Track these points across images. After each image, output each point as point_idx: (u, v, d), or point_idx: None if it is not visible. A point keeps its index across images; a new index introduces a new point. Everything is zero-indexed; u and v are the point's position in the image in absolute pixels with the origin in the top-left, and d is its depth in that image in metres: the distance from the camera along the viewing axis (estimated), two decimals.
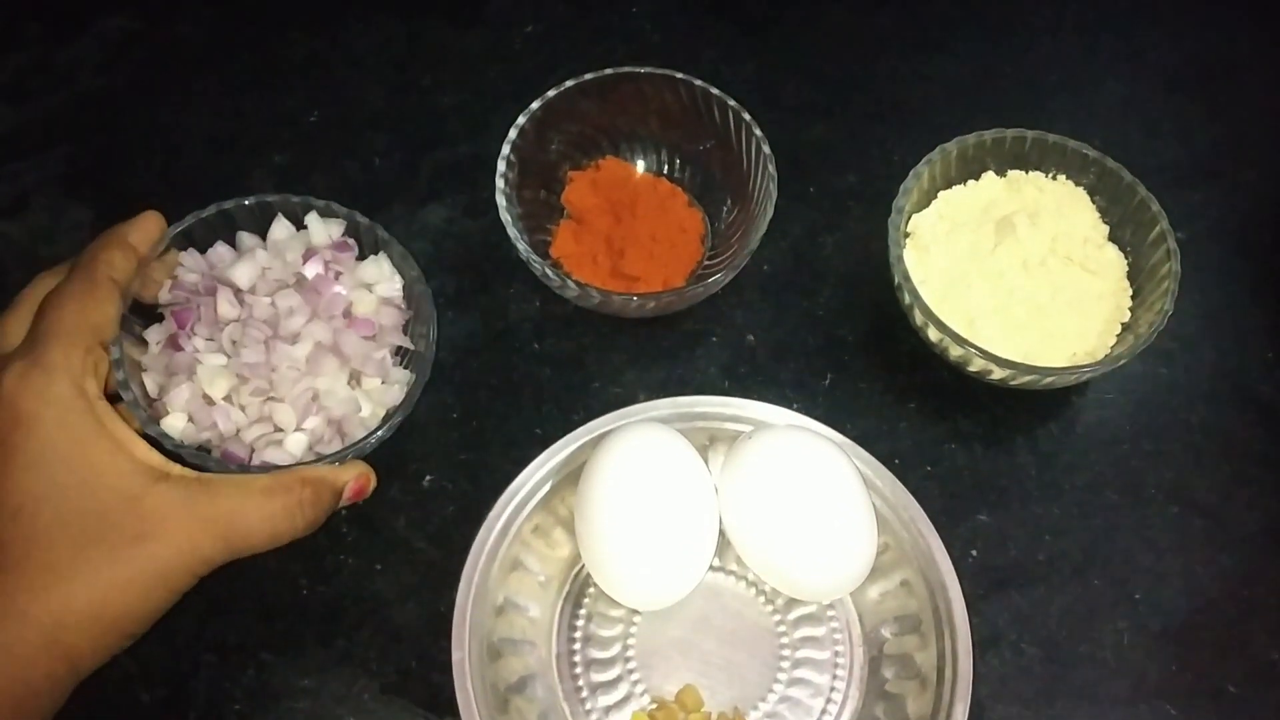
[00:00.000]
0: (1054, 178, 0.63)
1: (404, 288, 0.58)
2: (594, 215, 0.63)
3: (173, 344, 0.54)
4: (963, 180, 0.63)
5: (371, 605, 0.55)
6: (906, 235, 0.61)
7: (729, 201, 0.64)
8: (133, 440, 0.47)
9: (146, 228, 0.54)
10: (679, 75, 0.62)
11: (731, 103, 0.61)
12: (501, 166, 0.60)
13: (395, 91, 0.70)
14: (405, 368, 0.57)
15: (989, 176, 0.63)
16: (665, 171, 0.66)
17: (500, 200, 0.59)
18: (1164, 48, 0.74)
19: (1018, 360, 0.56)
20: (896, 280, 0.58)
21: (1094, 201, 0.62)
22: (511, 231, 0.58)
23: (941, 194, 0.62)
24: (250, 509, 0.47)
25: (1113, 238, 0.62)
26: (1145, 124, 0.71)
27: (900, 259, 0.58)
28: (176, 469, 0.48)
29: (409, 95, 0.70)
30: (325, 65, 0.71)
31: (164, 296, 0.55)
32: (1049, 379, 0.56)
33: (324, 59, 0.71)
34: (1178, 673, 0.55)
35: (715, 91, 0.61)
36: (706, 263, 0.63)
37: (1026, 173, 0.63)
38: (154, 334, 0.54)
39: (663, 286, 0.61)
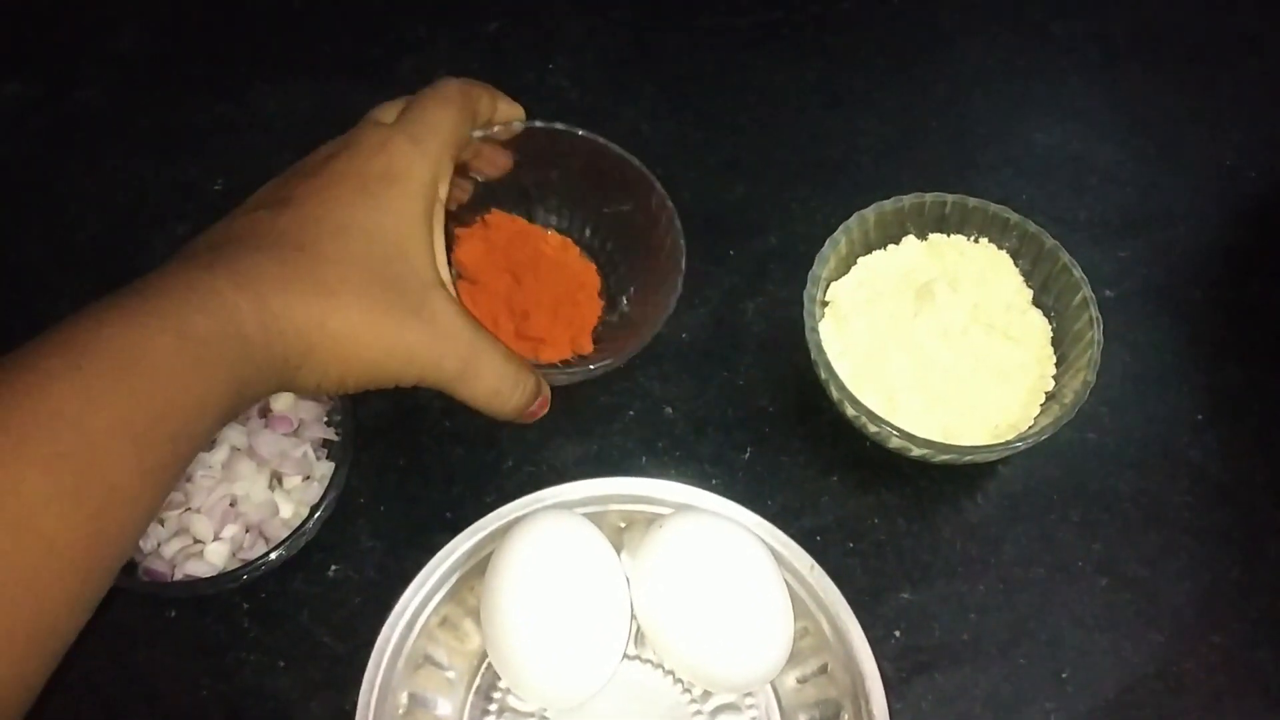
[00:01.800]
0: (976, 241, 0.61)
1: None
2: (491, 276, 0.60)
3: None
4: (883, 245, 0.61)
5: (274, 705, 0.53)
6: (825, 304, 0.60)
7: (633, 256, 0.62)
8: (442, 250, 0.51)
9: (513, 107, 0.58)
10: (582, 132, 0.59)
11: (637, 163, 0.59)
12: None
13: (304, 155, 0.68)
14: (328, 458, 0.56)
15: (909, 240, 0.61)
16: (565, 229, 0.64)
17: None
18: (1094, 98, 0.73)
19: (936, 440, 0.55)
20: (813, 354, 0.56)
21: (1017, 265, 0.61)
22: None
23: (861, 260, 0.61)
24: (495, 356, 0.50)
25: (1037, 302, 0.60)
26: (1075, 176, 0.70)
27: (815, 331, 0.56)
28: (452, 291, 0.51)
29: None
30: (231, 130, 0.69)
31: None
32: (970, 457, 0.55)
33: (230, 124, 0.69)
34: None
35: (622, 152, 0.59)
36: (606, 318, 0.62)
37: (948, 236, 0.61)
38: None
39: (570, 347, 0.60)
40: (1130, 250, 0.67)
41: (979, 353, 0.58)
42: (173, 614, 0.55)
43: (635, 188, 0.60)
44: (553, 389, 0.60)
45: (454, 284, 0.61)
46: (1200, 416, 0.62)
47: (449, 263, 0.61)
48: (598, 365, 0.56)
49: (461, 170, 0.59)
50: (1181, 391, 0.63)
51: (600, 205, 0.62)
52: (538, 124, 0.59)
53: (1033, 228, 0.59)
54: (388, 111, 0.53)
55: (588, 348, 0.60)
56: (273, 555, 0.52)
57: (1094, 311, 0.56)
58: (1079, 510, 0.59)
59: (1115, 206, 0.69)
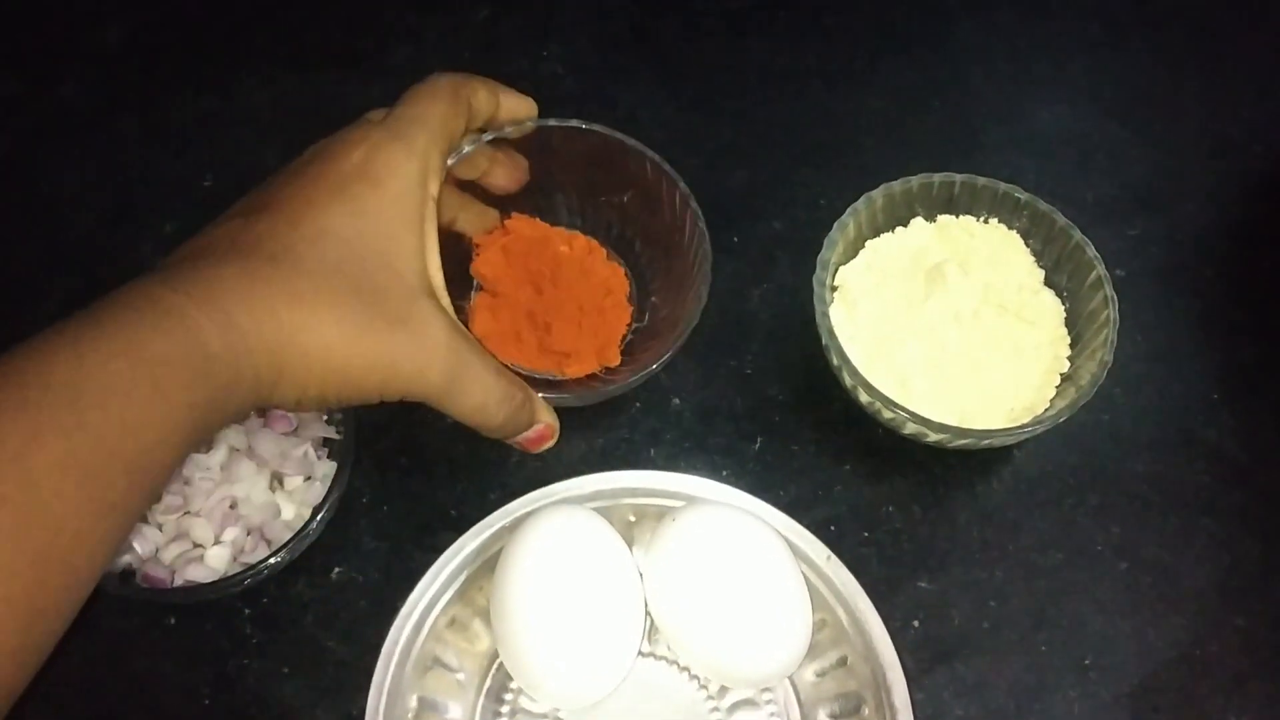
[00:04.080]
0: (985, 221, 0.60)
1: None
2: (511, 287, 0.58)
3: None
4: (890, 228, 0.60)
5: (279, 712, 0.52)
6: (834, 289, 0.58)
7: (657, 256, 0.60)
8: (435, 253, 0.48)
9: (520, 102, 0.55)
10: (596, 126, 0.57)
11: (651, 154, 0.57)
12: None
13: (295, 150, 0.64)
14: (330, 458, 0.55)
15: (918, 223, 0.60)
16: (581, 225, 0.62)
17: None
18: (1097, 74, 0.72)
19: (952, 424, 0.53)
20: (824, 339, 0.55)
21: (1028, 245, 0.60)
22: None
23: (869, 243, 0.60)
24: (482, 369, 0.48)
25: (1049, 282, 0.59)
26: (1080, 155, 0.68)
27: (826, 316, 0.55)
28: (444, 301, 0.48)
29: None
30: (219, 125, 0.67)
31: None
32: (986, 440, 0.54)
33: (218, 118, 0.67)
34: None
35: (632, 142, 0.57)
36: (636, 324, 0.60)
37: (957, 217, 0.60)
38: None
39: (597, 360, 0.57)
40: (1139, 229, 0.66)
41: (992, 335, 0.57)
42: (173, 621, 0.54)
43: (655, 182, 0.58)
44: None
45: (474, 294, 0.59)
46: (1215, 395, 0.61)
47: (468, 275, 0.59)
48: (621, 383, 0.55)
49: (476, 190, 0.57)
50: (1195, 370, 0.62)
51: (621, 203, 0.60)
52: (551, 122, 0.57)
53: (1044, 206, 0.58)
54: (379, 112, 0.51)
55: (615, 360, 0.58)
56: (275, 558, 0.51)
57: (1109, 290, 0.55)
58: (1096, 494, 0.58)
59: (1122, 185, 0.67)
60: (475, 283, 0.60)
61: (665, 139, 0.60)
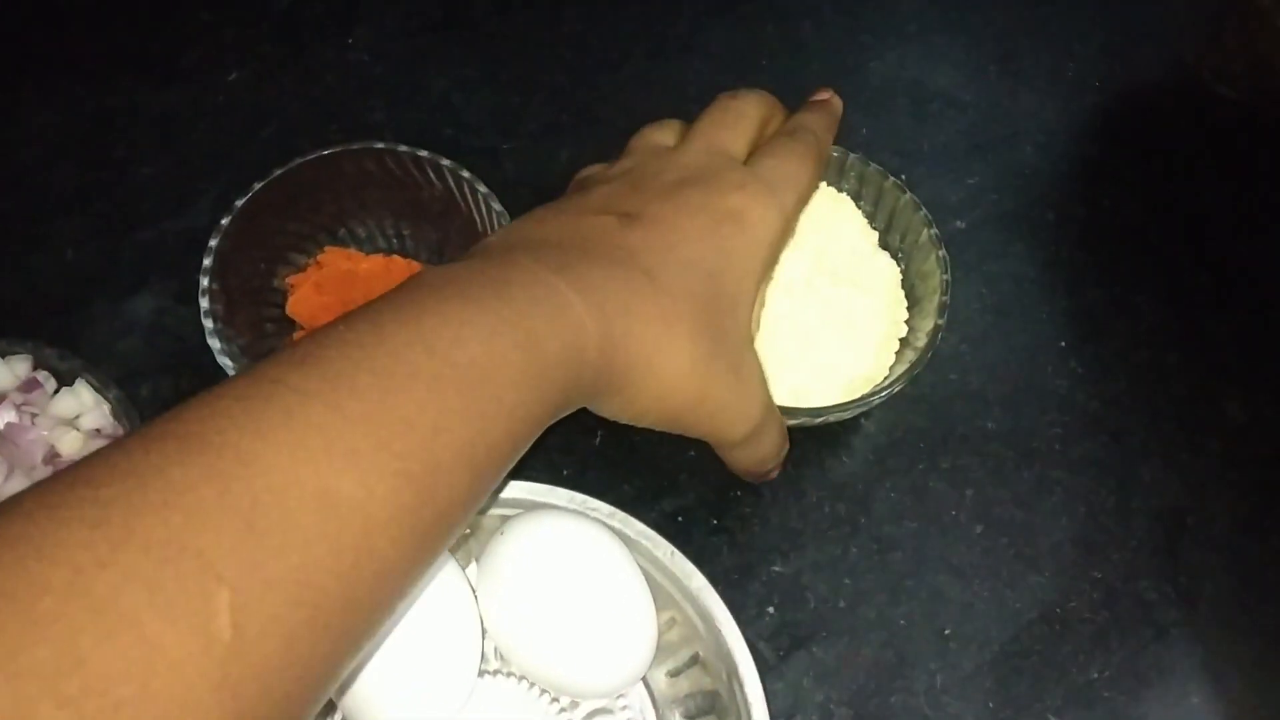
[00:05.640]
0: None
1: (111, 411, 0.51)
2: (325, 317, 0.55)
3: None
4: None
5: None
6: None
7: (465, 249, 0.57)
8: (760, 312, 0.49)
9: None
10: (379, 145, 0.54)
11: (446, 162, 0.54)
12: (209, 324, 0.51)
13: (85, 168, 0.62)
14: None
15: None
16: (396, 247, 0.59)
17: (224, 360, 0.51)
18: (926, 18, 0.70)
19: (786, 404, 0.51)
20: None
21: (860, 207, 0.57)
22: None
23: None
24: (777, 427, 0.49)
25: (884, 244, 0.57)
26: (914, 105, 0.67)
27: None
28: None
29: (102, 171, 0.62)
30: (2, 146, 0.62)
31: None
32: (821, 418, 0.52)
33: None
34: (996, 710, 0.51)
35: (424, 154, 0.54)
36: None
37: None
38: None
39: None
40: (977, 176, 0.64)
41: (826, 305, 0.55)
42: None
43: (455, 186, 0.55)
44: None
45: (296, 334, 0.56)
46: (1063, 343, 0.60)
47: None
48: None
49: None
50: (1042, 319, 0.60)
51: (423, 213, 0.57)
52: (334, 149, 0.54)
53: (871, 167, 0.56)
54: (666, 132, 0.51)
55: None
56: None
57: (940, 251, 0.53)
58: (948, 457, 0.57)
59: (958, 132, 0.66)
60: (295, 324, 0.56)
61: (481, 123, 0.57)
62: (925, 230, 0.54)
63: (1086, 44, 0.69)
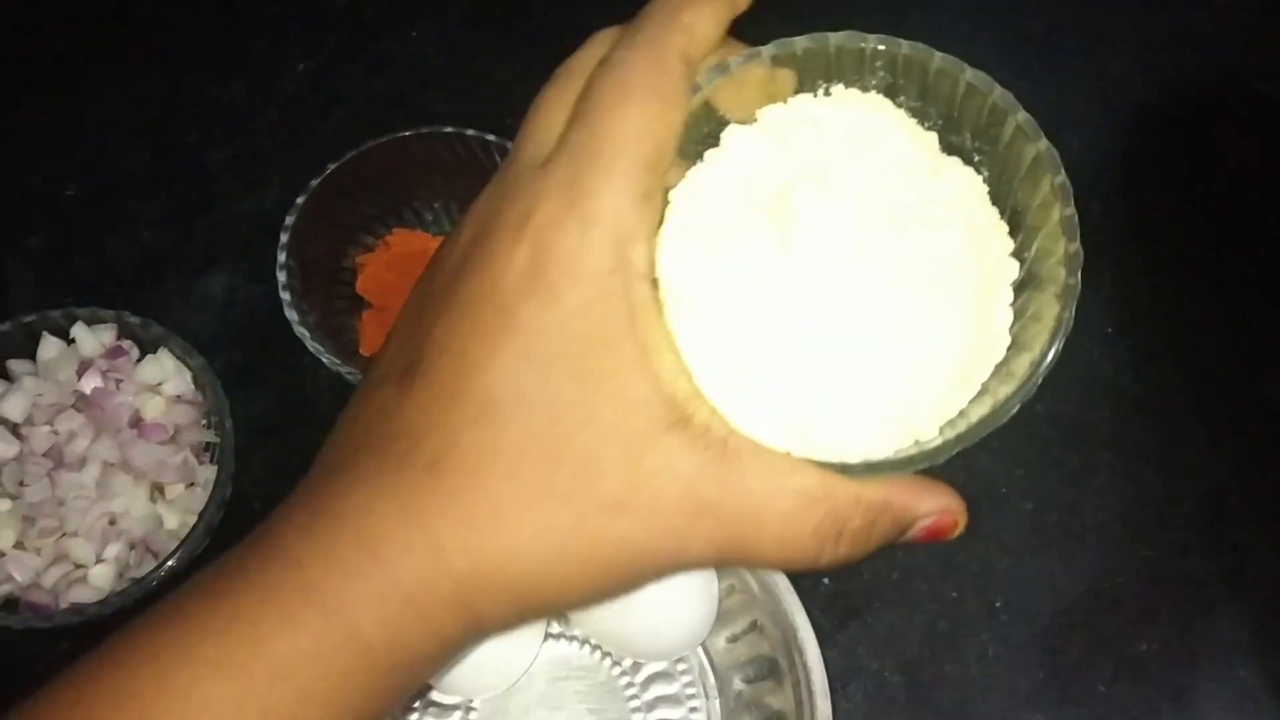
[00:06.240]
0: (827, 93, 0.36)
1: (193, 378, 0.53)
2: (394, 295, 0.57)
3: None
4: (695, 156, 0.35)
5: None
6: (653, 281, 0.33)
7: None
8: (664, 352, 0.31)
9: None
10: (448, 129, 0.56)
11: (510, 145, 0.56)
12: (286, 296, 0.53)
13: (158, 153, 0.64)
14: (211, 461, 0.53)
15: (734, 133, 0.35)
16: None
17: (301, 330, 0.53)
18: (975, 18, 0.71)
19: (832, 460, 0.32)
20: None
21: (899, 103, 0.36)
22: (315, 348, 0.53)
23: (672, 194, 0.34)
24: (771, 516, 0.31)
25: (949, 147, 0.36)
26: None
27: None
28: (702, 412, 0.31)
29: (174, 156, 0.64)
30: (78, 131, 0.65)
31: None
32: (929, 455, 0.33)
33: (76, 124, 0.65)
34: (1047, 680, 0.53)
35: (491, 138, 0.56)
36: None
37: (785, 103, 0.36)
38: None
39: None
40: None
41: (894, 268, 0.33)
42: (66, 645, 0.52)
43: None
44: None
45: (364, 313, 0.58)
46: (1109, 329, 0.61)
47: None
48: None
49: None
50: (1089, 305, 0.61)
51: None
52: (405, 133, 0.56)
53: (905, 47, 0.36)
54: (560, 101, 0.34)
55: None
56: (163, 570, 0.49)
57: (1042, 145, 0.35)
58: (997, 436, 0.58)
59: None
60: (365, 302, 0.58)
61: None
62: (1011, 118, 0.35)
63: (1129, 42, 0.70)
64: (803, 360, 0.33)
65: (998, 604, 0.54)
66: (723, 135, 0.35)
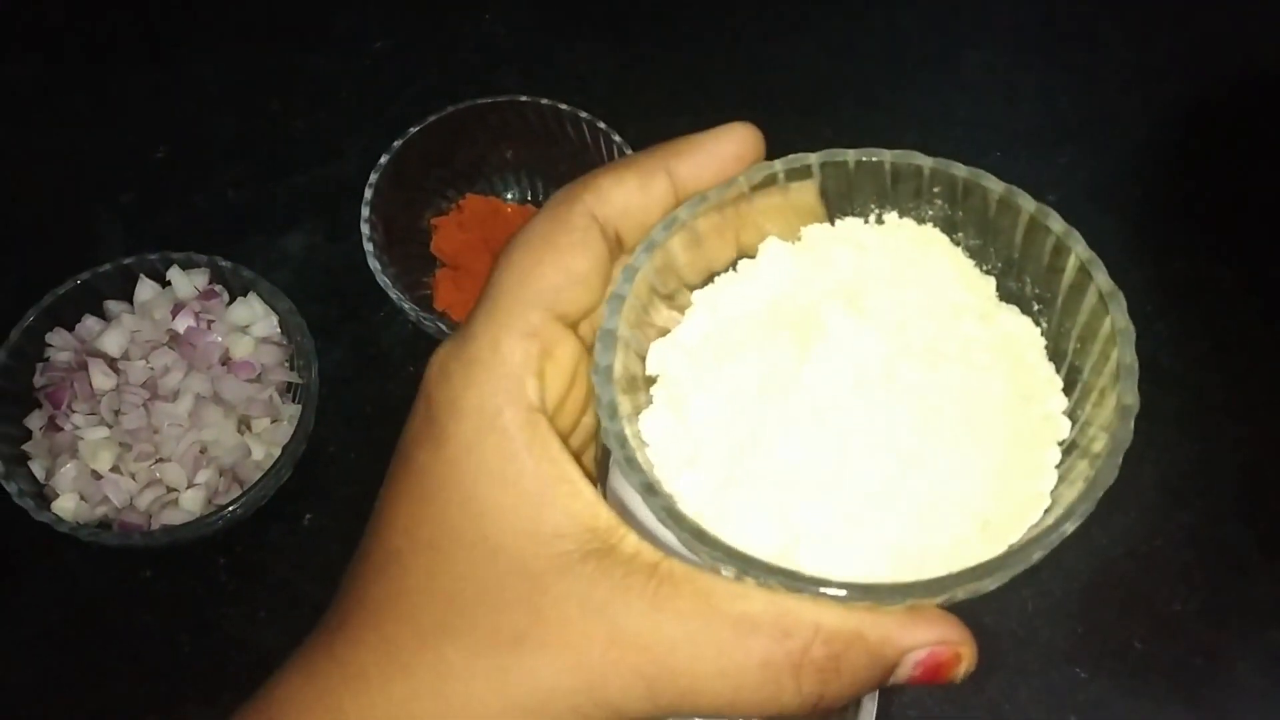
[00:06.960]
0: (879, 220, 0.33)
1: (279, 322, 0.56)
2: (469, 257, 0.60)
3: (52, 426, 0.53)
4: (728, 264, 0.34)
5: (258, 657, 0.53)
6: (649, 381, 0.32)
7: None
8: (568, 484, 0.29)
9: (719, 147, 0.32)
10: (524, 98, 0.59)
11: (584, 115, 0.59)
12: (369, 247, 0.56)
13: (244, 119, 0.67)
14: (295, 401, 0.56)
15: (772, 246, 0.33)
16: (530, 198, 0.63)
17: (384, 279, 0.56)
18: (1019, 12, 0.74)
19: (884, 582, 0.28)
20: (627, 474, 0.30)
21: (957, 241, 0.33)
22: (397, 296, 0.56)
23: (697, 294, 0.33)
24: (706, 644, 0.27)
25: (1006, 294, 0.33)
26: (1008, 90, 0.71)
27: (621, 437, 0.29)
28: (630, 542, 0.29)
29: (258, 122, 0.67)
30: (168, 97, 0.68)
31: (37, 380, 0.54)
32: (946, 594, 0.29)
33: (166, 91, 0.68)
34: (1085, 635, 0.55)
35: (565, 107, 0.59)
36: None
37: (832, 224, 0.34)
38: (34, 420, 0.54)
39: None
40: (1068, 156, 0.68)
41: (927, 403, 0.31)
42: (149, 573, 0.55)
43: (594, 142, 0.60)
44: None
45: (437, 271, 0.60)
46: (1149, 308, 0.64)
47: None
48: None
49: None
50: (1129, 286, 0.62)
51: (559, 167, 0.62)
52: (482, 100, 0.59)
53: (961, 170, 0.32)
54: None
55: None
56: (247, 496, 0.52)
57: (1101, 279, 0.33)
58: None
59: (1049, 116, 0.70)
60: (437, 261, 0.61)
61: (607, 95, 0.61)
62: (1069, 255, 0.32)
63: (1174, 39, 0.73)
64: (800, 476, 0.30)
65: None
66: (760, 245, 0.34)
